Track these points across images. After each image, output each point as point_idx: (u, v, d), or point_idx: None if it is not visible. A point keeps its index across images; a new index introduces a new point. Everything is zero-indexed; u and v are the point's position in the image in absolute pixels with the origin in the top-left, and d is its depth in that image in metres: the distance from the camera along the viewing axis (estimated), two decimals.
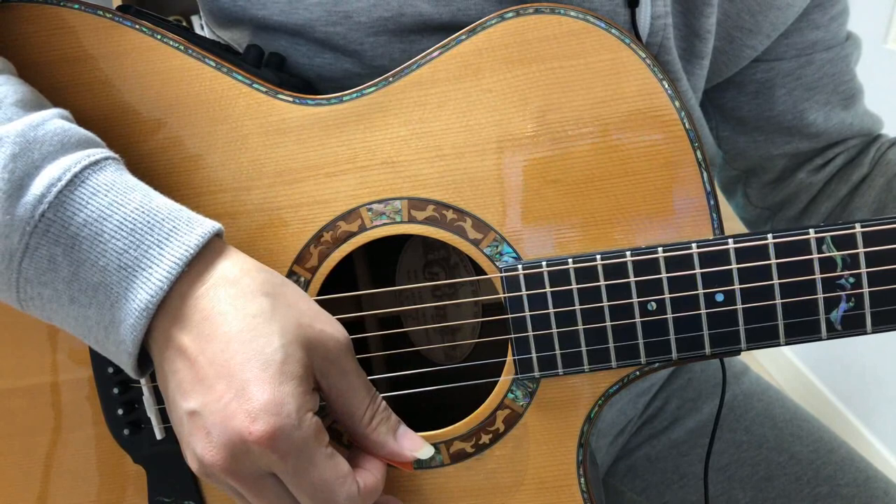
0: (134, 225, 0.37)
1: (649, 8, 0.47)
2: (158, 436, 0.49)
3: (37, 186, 0.36)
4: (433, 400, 0.50)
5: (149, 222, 0.37)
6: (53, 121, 0.39)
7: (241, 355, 0.36)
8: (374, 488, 0.40)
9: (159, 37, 0.46)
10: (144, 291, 0.36)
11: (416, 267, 0.60)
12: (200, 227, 0.38)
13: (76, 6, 0.46)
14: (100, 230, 0.37)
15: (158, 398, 0.49)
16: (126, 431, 0.49)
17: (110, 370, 0.49)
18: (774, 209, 0.65)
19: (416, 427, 0.48)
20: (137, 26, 0.46)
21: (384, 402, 0.41)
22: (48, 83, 0.47)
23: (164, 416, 0.49)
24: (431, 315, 0.60)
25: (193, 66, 0.46)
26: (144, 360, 0.40)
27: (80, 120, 0.47)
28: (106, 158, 0.39)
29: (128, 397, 0.49)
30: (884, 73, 1.37)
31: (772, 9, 0.54)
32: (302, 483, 0.37)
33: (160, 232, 0.37)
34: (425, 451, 0.42)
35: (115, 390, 0.49)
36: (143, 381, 0.48)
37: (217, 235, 0.39)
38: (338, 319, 0.41)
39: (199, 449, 0.37)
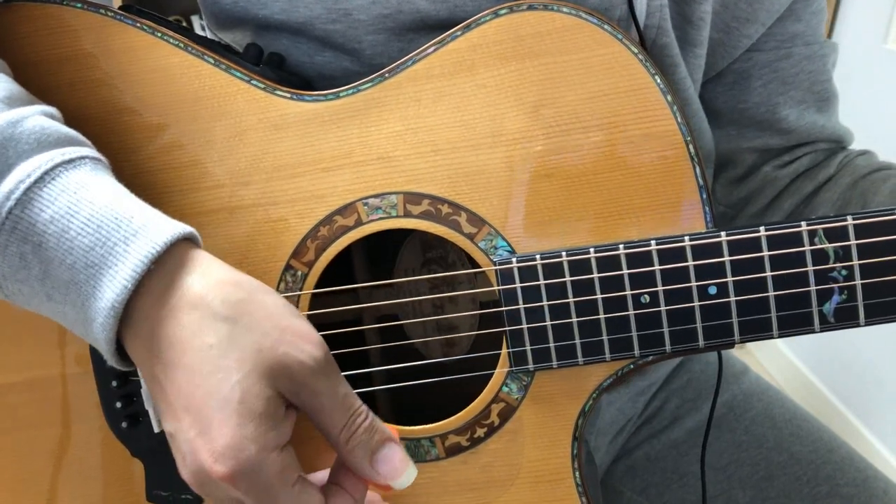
0: (101, 222, 0.36)
1: None
2: (156, 428, 0.49)
3: (7, 184, 0.36)
4: (430, 395, 0.51)
5: (116, 219, 0.36)
6: (34, 118, 0.38)
7: (202, 390, 0.35)
8: None
9: (160, 35, 0.47)
10: (111, 290, 0.36)
11: (415, 265, 0.61)
12: (170, 226, 0.37)
13: (78, 5, 0.47)
14: (66, 227, 0.36)
15: None
16: (124, 424, 0.50)
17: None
18: (738, 207, 0.65)
19: (413, 421, 0.49)
20: (139, 24, 0.47)
21: (367, 422, 0.38)
22: (50, 82, 0.48)
23: None
24: (429, 311, 0.60)
25: (193, 63, 0.47)
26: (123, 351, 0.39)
27: (82, 117, 0.48)
28: (82, 157, 0.38)
29: (126, 390, 0.49)
30: (884, 73, 1.37)
31: None
32: None
33: (127, 229, 0.36)
34: (402, 481, 0.38)
35: (114, 383, 0.49)
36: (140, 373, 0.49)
37: (188, 239, 0.38)
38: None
39: (178, 464, 0.37)
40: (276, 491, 0.35)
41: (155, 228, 0.37)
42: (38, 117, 0.39)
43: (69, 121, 0.43)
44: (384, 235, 0.54)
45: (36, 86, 0.46)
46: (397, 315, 0.60)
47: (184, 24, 0.51)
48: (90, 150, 0.40)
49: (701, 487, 0.63)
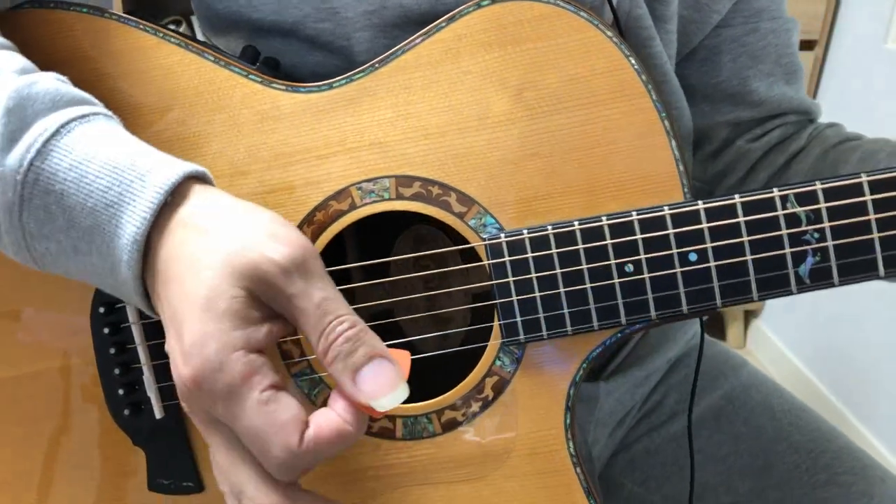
0: (116, 164, 0.38)
1: None
2: (158, 415, 0.50)
3: (27, 139, 0.38)
4: (428, 373, 0.52)
5: (131, 157, 0.38)
6: (47, 80, 0.40)
7: (178, 296, 0.36)
8: (330, 439, 0.35)
9: (161, 35, 0.50)
10: (131, 224, 0.37)
11: (408, 262, 0.62)
12: (181, 163, 0.39)
13: (84, 10, 0.50)
14: (84, 172, 0.37)
15: (158, 377, 0.50)
16: (126, 412, 0.51)
17: (112, 351, 0.50)
18: (715, 182, 0.68)
19: (412, 399, 0.49)
20: (141, 26, 0.50)
21: (350, 331, 0.35)
22: None
23: (164, 395, 0.50)
24: (423, 306, 0.62)
25: (194, 60, 0.50)
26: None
27: None
28: (95, 114, 0.40)
29: (129, 378, 0.51)
30: (884, 73, 1.39)
31: None
32: (237, 428, 0.35)
33: (142, 167, 0.38)
34: (384, 402, 0.35)
35: (117, 371, 0.50)
36: (143, 359, 0.50)
37: (198, 177, 0.40)
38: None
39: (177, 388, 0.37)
40: (240, 394, 0.34)
41: (169, 164, 0.39)
42: (53, 81, 0.41)
43: None
44: (379, 229, 0.56)
45: None
46: (393, 313, 0.61)
47: (182, 25, 0.54)
48: (104, 109, 0.42)
49: (696, 480, 0.64)
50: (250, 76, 0.50)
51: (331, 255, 0.51)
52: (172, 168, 0.38)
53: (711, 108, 0.64)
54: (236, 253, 0.35)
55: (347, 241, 0.62)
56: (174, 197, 0.38)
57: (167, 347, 0.37)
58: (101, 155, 0.38)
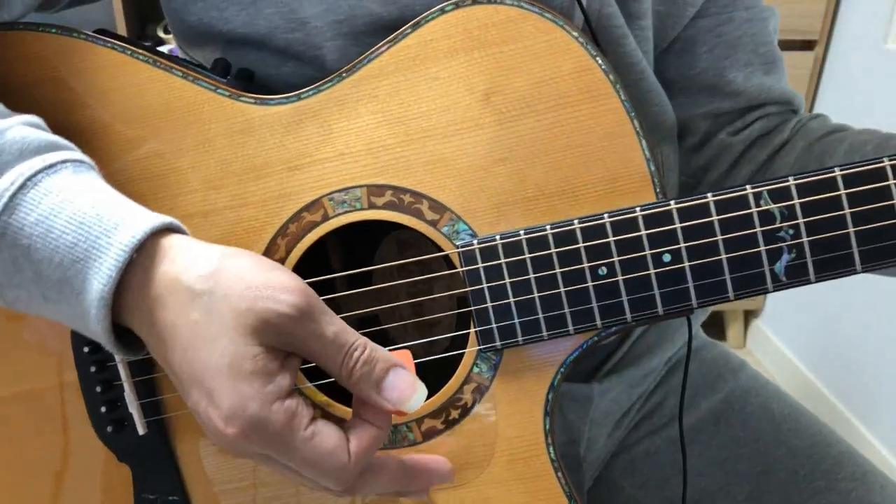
0: (83, 219, 0.38)
1: None
2: (141, 431, 0.51)
3: None
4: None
5: (97, 215, 0.38)
6: (14, 129, 0.41)
7: (198, 364, 0.37)
8: (370, 445, 0.40)
9: (130, 52, 0.50)
10: (97, 282, 0.38)
11: (392, 268, 0.62)
12: (149, 217, 0.39)
13: (52, 30, 0.50)
14: (50, 227, 0.38)
15: (139, 394, 0.51)
16: (109, 429, 0.51)
17: (93, 370, 0.51)
18: (698, 176, 0.67)
19: None
20: (109, 44, 0.50)
21: (364, 355, 0.38)
22: (30, 104, 0.50)
23: (146, 412, 0.51)
24: (409, 313, 0.62)
25: (162, 76, 0.50)
26: (132, 339, 0.41)
27: (63, 135, 0.50)
28: (63, 161, 0.41)
29: (110, 395, 0.51)
30: (884, 73, 1.38)
31: None
32: (292, 462, 0.38)
33: (108, 223, 0.38)
34: (412, 404, 0.39)
35: (98, 389, 0.51)
36: (123, 377, 0.50)
37: (169, 228, 0.40)
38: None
39: (206, 434, 0.39)
40: (289, 438, 0.37)
41: (135, 220, 0.39)
42: (19, 128, 0.41)
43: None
44: (361, 236, 0.56)
45: (16, 109, 0.48)
46: (379, 319, 0.61)
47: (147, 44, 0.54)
48: (72, 153, 0.42)
49: (694, 484, 0.63)
50: (218, 90, 0.50)
51: (312, 261, 0.51)
52: (139, 224, 0.39)
53: (689, 100, 0.63)
54: (244, 314, 0.37)
55: (330, 246, 0.62)
56: (140, 254, 0.38)
57: (193, 405, 0.38)
58: (68, 210, 0.39)
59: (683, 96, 0.63)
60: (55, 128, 0.49)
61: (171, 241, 0.39)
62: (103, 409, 0.51)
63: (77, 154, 0.43)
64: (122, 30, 1.68)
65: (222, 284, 0.37)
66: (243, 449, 0.38)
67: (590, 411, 0.62)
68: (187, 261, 0.38)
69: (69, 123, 0.50)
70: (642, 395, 0.68)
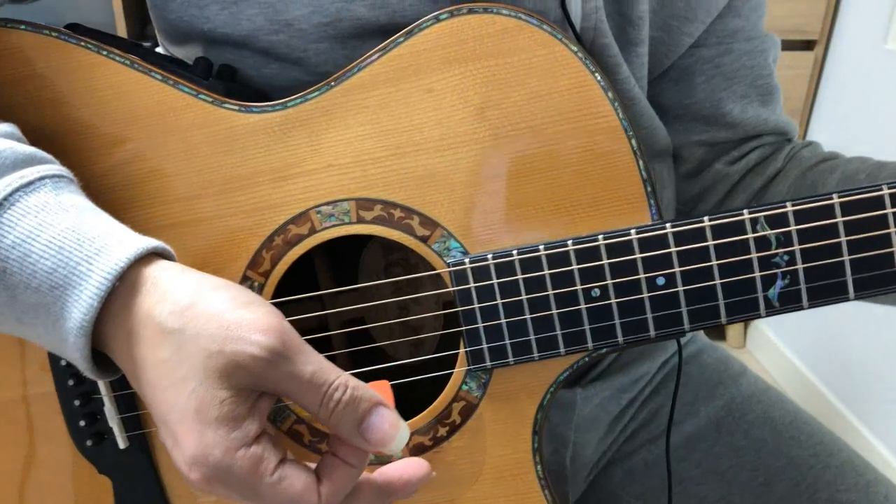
0: (62, 244, 0.37)
1: None
2: (121, 445, 0.50)
3: None
4: (398, 397, 0.51)
5: (78, 240, 0.37)
6: None
7: (165, 405, 0.36)
8: (343, 486, 0.38)
9: (105, 53, 0.47)
10: (77, 310, 0.36)
11: (378, 268, 0.61)
12: (133, 243, 0.38)
13: (22, 27, 0.47)
14: (28, 251, 0.36)
15: (120, 408, 0.49)
16: (89, 443, 0.50)
17: (70, 383, 0.49)
18: (692, 204, 0.66)
19: None
20: (83, 43, 0.47)
21: (346, 396, 0.36)
22: (5, 103, 0.48)
23: (126, 426, 0.50)
24: (395, 313, 0.61)
25: (140, 79, 0.47)
26: (109, 361, 0.40)
27: (39, 137, 0.48)
28: (41, 178, 0.39)
29: (89, 409, 0.50)
30: (884, 73, 1.37)
31: None
32: None
33: (89, 249, 0.37)
34: (394, 447, 0.37)
35: (77, 402, 0.49)
36: (103, 391, 0.49)
37: (154, 253, 0.39)
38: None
39: None
40: (255, 484, 0.36)
41: (117, 246, 0.37)
42: None
43: (28, 140, 0.43)
44: (346, 242, 0.54)
45: None
46: (363, 319, 0.60)
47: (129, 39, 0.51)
48: (50, 168, 0.40)
49: (695, 494, 0.63)
50: (200, 96, 0.47)
51: (298, 269, 0.50)
52: (121, 250, 0.37)
53: (685, 127, 0.62)
54: (214, 356, 0.35)
55: (315, 251, 0.60)
56: (121, 283, 0.37)
57: (161, 437, 0.37)
58: (46, 233, 0.37)
59: (679, 123, 0.62)
60: (32, 128, 0.47)
61: (150, 271, 0.38)
62: (82, 423, 0.50)
63: (55, 168, 0.41)
64: (121, 30, 1.62)
65: (193, 322, 0.36)
66: (208, 492, 0.37)
67: (573, 417, 0.62)
68: (161, 294, 0.37)
69: (45, 124, 0.48)
70: (635, 401, 0.67)
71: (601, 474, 0.67)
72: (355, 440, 0.37)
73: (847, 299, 0.44)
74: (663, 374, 0.68)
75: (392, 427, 0.37)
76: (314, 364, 0.36)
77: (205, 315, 0.36)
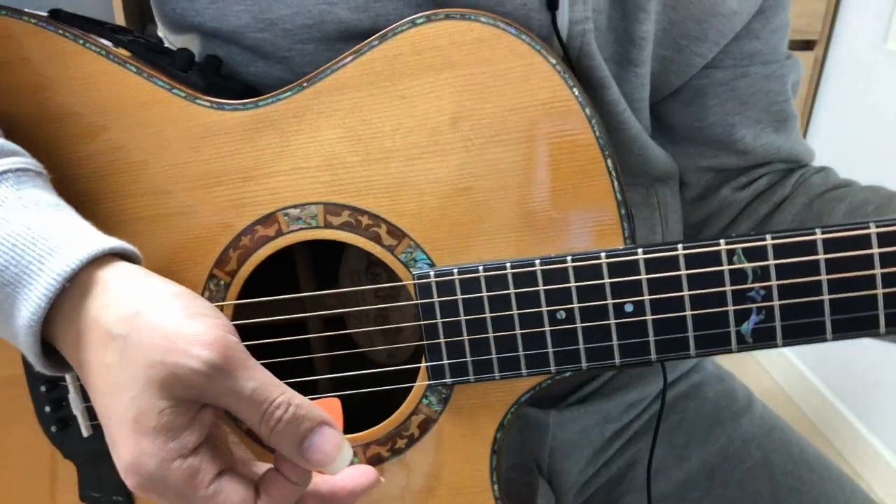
0: (16, 241, 0.37)
1: (567, 12, 0.47)
2: (85, 433, 0.50)
3: None
4: (362, 404, 0.51)
5: (32, 238, 0.37)
6: None
7: (106, 409, 0.36)
8: (283, 501, 0.37)
9: (82, 42, 0.47)
10: (26, 309, 0.36)
11: (359, 268, 0.60)
12: (86, 244, 0.37)
13: (3, 12, 0.47)
14: None
15: (85, 396, 0.50)
16: (53, 428, 0.50)
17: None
18: (696, 228, 0.63)
19: (348, 429, 0.48)
20: (60, 31, 0.47)
21: (288, 415, 0.35)
22: None
23: (90, 414, 0.50)
24: (375, 319, 0.60)
25: (115, 70, 0.47)
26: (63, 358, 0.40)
27: (14, 123, 0.48)
28: (3, 172, 0.39)
29: (55, 395, 0.50)
30: (884, 73, 1.35)
31: (716, 16, 0.53)
32: None
33: (42, 248, 0.37)
34: (334, 468, 0.36)
35: (43, 388, 0.50)
36: (69, 378, 0.49)
37: (116, 254, 0.38)
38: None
39: None
40: (188, 495, 0.36)
41: (70, 246, 0.37)
42: None
43: (3, 127, 0.44)
44: (329, 243, 0.54)
45: None
46: (345, 322, 0.60)
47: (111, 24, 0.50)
48: (15, 161, 0.40)
49: None
50: (174, 90, 0.47)
51: (277, 261, 0.49)
52: (74, 252, 0.37)
53: (694, 150, 0.59)
54: (155, 366, 0.35)
55: (297, 251, 0.60)
56: (71, 284, 0.37)
57: (107, 438, 0.37)
58: (2, 230, 0.37)
59: (688, 145, 0.59)
60: (7, 115, 0.47)
61: (102, 274, 0.37)
62: (48, 409, 0.50)
63: (20, 161, 0.41)
64: None
65: (138, 331, 0.35)
66: (144, 498, 0.37)
67: (547, 439, 0.61)
68: (109, 298, 0.36)
69: (20, 111, 0.48)
70: (623, 433, 0.63)
71: (583, 497, 0.64)
72: (296, 459, 0.36)
73: (824, 340, 0.42)
74: (658, 406, 0.63)
75: (334, 448, 0.36)
76: (256, 380, 0.36)
77: (150, 324, 0.36)
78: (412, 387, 0.48)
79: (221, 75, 0.53)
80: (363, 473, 0.39)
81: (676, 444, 0.62)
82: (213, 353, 0.35)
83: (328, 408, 0.39)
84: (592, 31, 0.47)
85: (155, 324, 0.35)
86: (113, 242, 0.39)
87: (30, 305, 0.36)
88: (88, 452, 0.51)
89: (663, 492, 0.61)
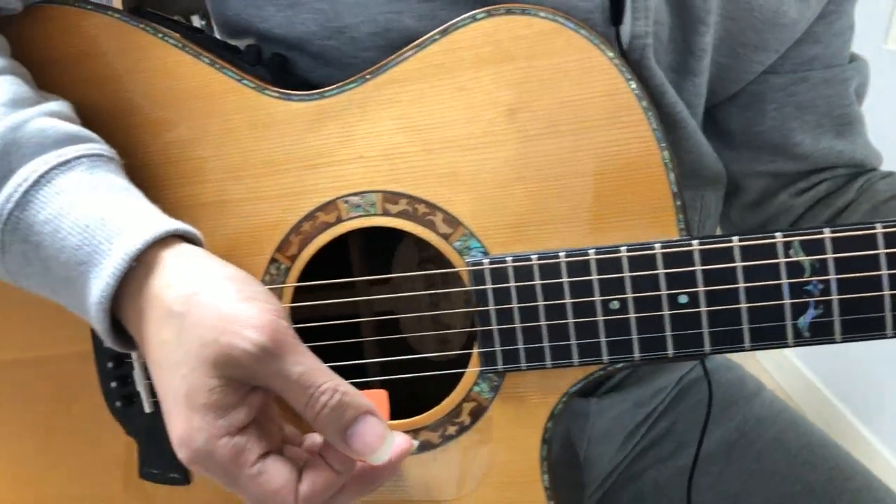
0: (88, 221, 0.39)
1: (629, 26, 0.47)
2: (147, 409, 0.52)
3: (8, 188, 0.39)
4: (415, 390, 0.52)
5: (102, 219, 0.39)
6: (35, 121, 0.41)
7: (163, 384, 0.38)
8: (323, 489, 0.38)
9: (161, 35, 0.50)
10: (97, 287, 0.38)
11: (411, 263, 0.62)
12: (153, 224, 0.39)
13: (88, 7, 0.50)
14: (58, 227, 0.39)
15: (148, 373, 0.52)
16: (118, 404, 0.53)
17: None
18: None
19: (400, 414, 0.49)
20: (142, 25, 0.50)
21: (334, 401, 0.36)
22: (66, 79, 0.51)
23: (152, 391, 0.52)
24: (426, 307, 0.61)
25: (190, 62, 0.49)
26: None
27: (94, 113, 0.50)
28: (78, 158, 0.41)
29: (121, 371, 0.52)
30: (884, 73, 1.31)
31: (776, 26, 0.53)
32: (239, 495, 0.38)
33: (112, 228, 0.39)
34: (377, 457, 0.37)
35: (110, 364, 0.52)
36: (134, 356, 0.51)
37: (180, 235, 0.40)
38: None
39: None
40: (234, 473, 0.37)
41: (138, 227, 0.39)
42: (39, 119, 0.42)
43: (83, 117, 0.46)
44: (383, 234, 0.55)
45: (54, 83, 0.49)
46: (393, 311, 0.61)
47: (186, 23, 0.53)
48: (90, 147, 0.43)
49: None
50: (243, 81, 0.49)
51: (332, 251, 0.51)
52: (140, 232, 0.39)
53: (751, 154, 0.59)
54: (209, 345, 0.36)
55: (350, 236, 0.61)
56: (138, 263, 0.39)
57: (163, 411, 0.39)
58: (76, 211, 0.39)
59: (745, 149, 0.59)
60: (87, 105, 0.50)
61: (166, 254, 0.39)
62: (113, 385, 0.52)
63: (96, 147, 0.43)
64: None
65: (195, 310, 0.37)
66: (196, 470, 0.38)
67: (586, 428, 0.61)
68: (172, 278, 0.38)
69: (101, 101, 0.51)
70: (649, 417, 0.65)
71: (609, 495, 0.65)
72: (339, 445, 0.37)
73: (885, 336, 0.42)
74: (678, 390, 0.66)
75: (377, 438, 0.37)
76: (304, 365, 0.37)
77: (206, 304, 0.37)
78: (462, 374, 0.48)
79: (286, 71, 0.55)
80: (399, 442, 0.39)
81: (697, 421, 0.64)
82: (263, 335, 0.36)
83: (375, 399, 0.40)
84: (651, 46, 0.48)
85: (210, 304, 0.37)
86: (176, 224, 0.41)
87: (100, 283, 0.39)
88: (149, 429, 0.53)
89: (685, 465, 0.62)
